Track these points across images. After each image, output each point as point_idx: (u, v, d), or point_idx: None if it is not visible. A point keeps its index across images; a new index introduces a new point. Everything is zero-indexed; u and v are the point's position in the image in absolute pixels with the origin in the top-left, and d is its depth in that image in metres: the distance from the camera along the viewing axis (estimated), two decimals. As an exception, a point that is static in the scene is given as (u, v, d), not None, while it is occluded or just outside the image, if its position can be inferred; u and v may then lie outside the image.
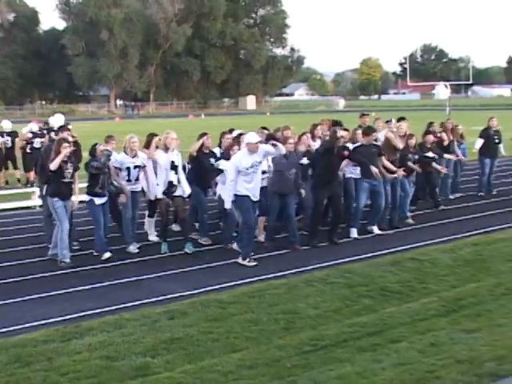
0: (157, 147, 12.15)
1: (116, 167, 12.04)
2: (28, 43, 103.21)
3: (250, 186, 11.12)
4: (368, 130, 13.31)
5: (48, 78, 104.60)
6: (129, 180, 12.16)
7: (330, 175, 12.25)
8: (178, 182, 11.97)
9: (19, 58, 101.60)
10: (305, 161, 12.94)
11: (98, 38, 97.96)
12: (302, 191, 12.50)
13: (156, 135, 12.76)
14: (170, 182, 11.89)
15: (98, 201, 11.59)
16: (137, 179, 12.27)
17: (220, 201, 12.24)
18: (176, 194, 11.99)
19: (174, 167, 11.90)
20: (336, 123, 13.94)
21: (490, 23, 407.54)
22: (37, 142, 20.04)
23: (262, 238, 12.49)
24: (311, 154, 13.03)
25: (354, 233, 12.99)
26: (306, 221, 13.26)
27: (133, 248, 12.10)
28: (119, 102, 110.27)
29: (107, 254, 11.61)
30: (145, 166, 12.30)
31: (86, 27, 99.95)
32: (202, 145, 12.60)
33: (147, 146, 12.58)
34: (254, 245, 11.49)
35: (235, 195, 11.11)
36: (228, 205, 11.23)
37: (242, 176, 11.06)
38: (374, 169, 12.61)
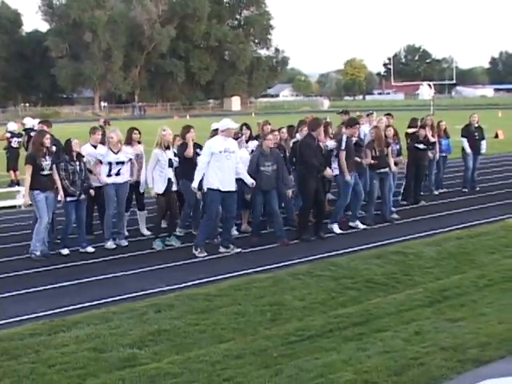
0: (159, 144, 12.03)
1: (98, 160, 12.10)
2: (10, 45, 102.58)
3: (220, 175, 11.18)
4: (352, 122, 13.44)
5: (31, 81, 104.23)
6: (109, 175, 12.08)
7: (314, 169, 12.30)
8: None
9: (2, 61, 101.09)
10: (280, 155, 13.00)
11: (82, 40, 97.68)
12: (289, 192, 12.55)
13: (136, 129, 12.92)
14: (170, 179, 11.97)
15: (70, 197, 11.60)
16: (117, 174, 12.14)
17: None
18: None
19: (171, 165, 11.97)
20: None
21: (473, 24, 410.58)
22: (14, 142, 20.15)
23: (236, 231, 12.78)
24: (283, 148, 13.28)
25: (336, 228, 13.01)
26: (289, 215, 13.33)
27: (110, 244, 12.11)
28: (103, 103, 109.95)
29: (65, 251, 11.70)
30: (130, 160, 12.33)
31: (70, 29, 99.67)
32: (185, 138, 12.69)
33: (128, 141, 12.73)
34: (210, 235, 11.77)
35: (207, 188, 11.24)
36: (195, 183, 11.26)
37: (214, 161, 11.12)
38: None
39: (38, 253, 11.34)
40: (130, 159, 12.33)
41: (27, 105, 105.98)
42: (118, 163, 12.11)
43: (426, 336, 7.27)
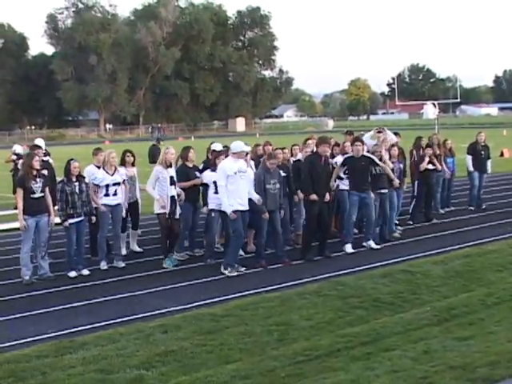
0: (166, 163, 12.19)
1: (95, 184, 12.15)
2: (17, 69, 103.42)
3: (237, 196, 11.27)
4: (352, 140, 13.44)
5: (37, 103, 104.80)
6: (107, 195, 12.20)
7: (317, 188, 12.28)
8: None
9: (8, 84, 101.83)
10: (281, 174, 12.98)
11: (87, 63, 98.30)
12: (282, 212, 12.60)
13: (130, 152, 13.19)
14: (172, 197, 12.04)
15: (71, 220, 11.60)
16: (115, 194, 12.26)
17: (207, 215, 12.48)
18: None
19: (172, 183, 12.04)
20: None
21: (477, 43, 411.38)
22: (20, 164, 20.14)
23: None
24: (287, 167, 13.18)
25: (348, 248, 12.98)
26: (286, 235, 13.23)
27: (103, 265, 12.15)
28: (108, 125, 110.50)
29: (73, 273, 11.66)
30: (124, 181, 12.46)
31: (75, 52, 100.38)
32: (187, 159, 12.74)
33: (122, 163, 12.91)
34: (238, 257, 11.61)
35: (223, 211, 11.31)
36: (228, 208, 11.25)
37: (230, 184, 11.21)
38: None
39: (27, 277, 11.30)
40: (124, 180, 12.47)
41: (33, 127, 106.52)
42: (114, 184, 12.23)
43: (435, 355, 7.22)
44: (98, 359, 7.47)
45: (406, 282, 10.39)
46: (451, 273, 10.90)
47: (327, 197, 12.59)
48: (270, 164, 12.16)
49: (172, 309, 9.48)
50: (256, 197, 11.75)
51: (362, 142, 13.28)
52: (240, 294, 10.12)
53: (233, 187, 11.27)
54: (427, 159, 15.75)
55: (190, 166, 12.88)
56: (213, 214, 12.24)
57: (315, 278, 11.00)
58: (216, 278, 11.29)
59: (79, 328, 8.74)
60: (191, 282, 11.04)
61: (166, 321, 8.82)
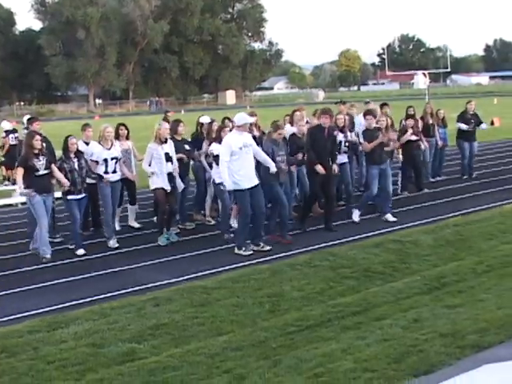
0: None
1: (93, 161, 11.98)
2: (4, 45, 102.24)
3: (244, 173, 10.79)
4: (369, 113, 13.30)
5: (26, 79, 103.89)
6: (106, 172, 12.03)
7: (321, 159, 12.04)
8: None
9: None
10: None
11: (75, 38, 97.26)
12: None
13: (123, 125, 13.12)
14: (170, 174, 11.87)
15: (72, 196, 11.52)
16: (114, 171, 12.13)
17: (215, 187, 12.27)
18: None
19: (168, 159, 11.87)
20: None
21: (467, 12, 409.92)
22: (11, 139, 20.06)
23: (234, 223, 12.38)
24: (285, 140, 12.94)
25: (356, 215, 12.94)
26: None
27: (113, 243, 11.97)
28: (98, 100, 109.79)
29: (81, 251, 11.51)
30: (121, 159, 12.32)
31: (63, 27, 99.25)
32: (176, 132, 12.68)
33: (115, 137, 12.69)
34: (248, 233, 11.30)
35: (234, 189, 10.99)
36: (230, 186, 10.83)
37: (235, 160, 10.74)
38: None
39: (48, 256, 11.15)
40: (121, 157, 12.34)
41: (22, 104, 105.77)
42: (112, 159, 12.08)
43: (425, 323, 7.27)
44: (90, 333, 7.49)
45: (397, 252, 10.42)
46: (441, 242, 10.93)
47: (335, 168, 12.39)
48: (277, 135, 11.83)
49: (163, 282, 9.50)
50: (273, 164, 11.31)
51: (375, 116, 13.19)
52: (231, 267, 10.14)
53: (238, 163, 10.76)
54: (410, 131, 15.61)
55: (179, 139, 12.81)
56: (222, 187, 11.68)
57: (306, 248, 11.02)
58: (207, 250, 11.29)
59: (71, 303, 8.76)
60: (182, 256, 11.04)
61: (158, 294, 8.83)
